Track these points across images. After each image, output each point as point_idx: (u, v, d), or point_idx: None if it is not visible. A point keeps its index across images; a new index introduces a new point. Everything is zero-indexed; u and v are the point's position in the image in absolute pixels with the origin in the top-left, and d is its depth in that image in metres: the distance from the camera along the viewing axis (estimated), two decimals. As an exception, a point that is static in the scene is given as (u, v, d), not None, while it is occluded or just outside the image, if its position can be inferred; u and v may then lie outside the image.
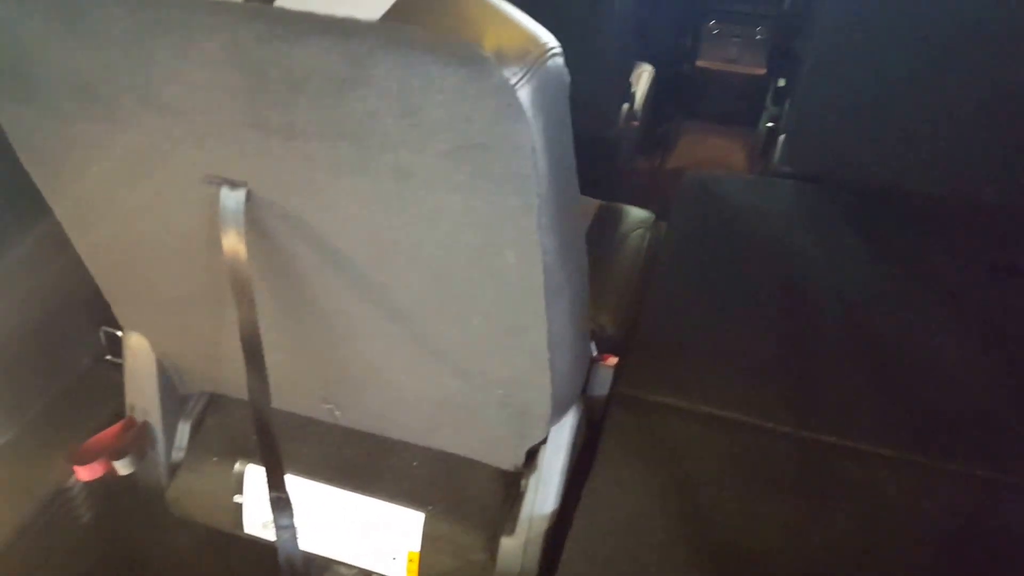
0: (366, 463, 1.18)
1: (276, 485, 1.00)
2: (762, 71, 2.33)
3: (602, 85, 1.81)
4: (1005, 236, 1.50)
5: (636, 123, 2.01)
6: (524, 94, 0.70)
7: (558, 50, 0.75)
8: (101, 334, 1.35)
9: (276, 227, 0.88)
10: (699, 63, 2.40)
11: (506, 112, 0.70)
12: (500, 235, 0.81)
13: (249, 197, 0.84)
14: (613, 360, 1.19)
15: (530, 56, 0.71)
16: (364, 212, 0.84)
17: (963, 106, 1.52)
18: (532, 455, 1.09)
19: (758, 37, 2.36)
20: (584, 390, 1.14)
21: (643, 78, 2.12)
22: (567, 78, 0.77)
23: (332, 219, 0.86)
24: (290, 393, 1.12)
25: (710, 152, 2.46)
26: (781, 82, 2.14)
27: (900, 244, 1.49)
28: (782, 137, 1.78)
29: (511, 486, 1.12)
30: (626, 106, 1.95)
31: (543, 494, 1.09)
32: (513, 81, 0.69)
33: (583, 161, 0.86)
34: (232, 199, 0.84)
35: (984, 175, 1.57)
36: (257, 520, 1.19)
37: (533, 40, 0.73)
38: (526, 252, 0.81)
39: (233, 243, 0.86)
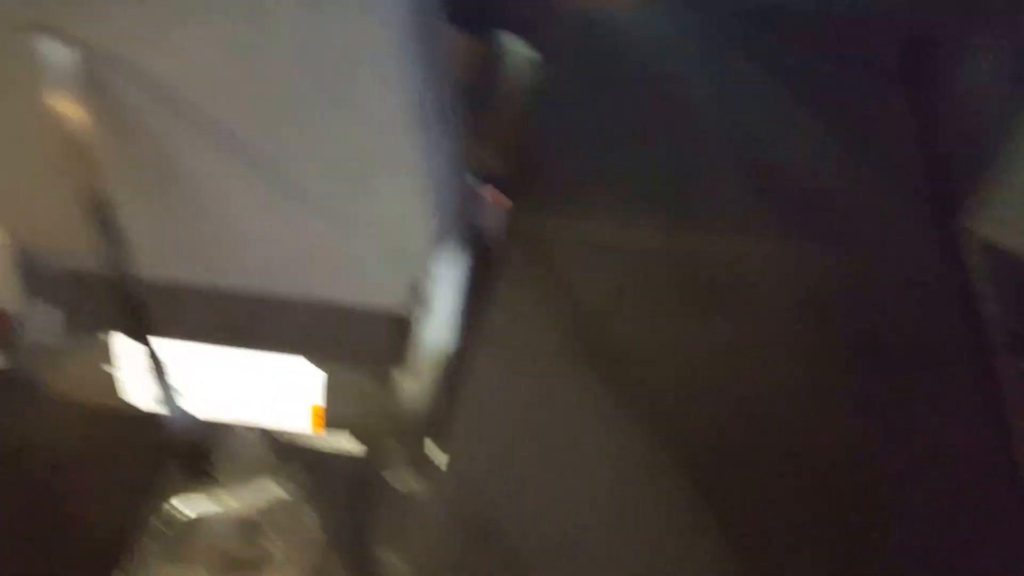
0: (253, 323, 1.15)
1: (150, 354, 0.97)
2: None
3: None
4: (886, 42, 1.53)
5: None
6: None
7: None
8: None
9: (119, 85, 0.82)
10: None
11: None
12: (364, 66, 0.77)
13: (84, 53, 0.78)
14: (503, 199, 1.18)
15: None
16: (216, 58, 0.79)
17: None
18: (424, 296, 1.09)
19: None
20: (475, 232, 1.14)
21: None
22: None
23: (181, 71, 0.81)
24: (159, 260, 1.07)
25: None
26: None
27: (782, 62, 1.52)
28: None
29: (406, 329, 1.12)
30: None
31: (437, 333, 1.09)
32: None
33: None
34: (62, 55, 0.77)
35: None
36: (141, 392, 1.16)
37: None
38: (393, 83, 0.78)
39: (65, 105, 0.80)
